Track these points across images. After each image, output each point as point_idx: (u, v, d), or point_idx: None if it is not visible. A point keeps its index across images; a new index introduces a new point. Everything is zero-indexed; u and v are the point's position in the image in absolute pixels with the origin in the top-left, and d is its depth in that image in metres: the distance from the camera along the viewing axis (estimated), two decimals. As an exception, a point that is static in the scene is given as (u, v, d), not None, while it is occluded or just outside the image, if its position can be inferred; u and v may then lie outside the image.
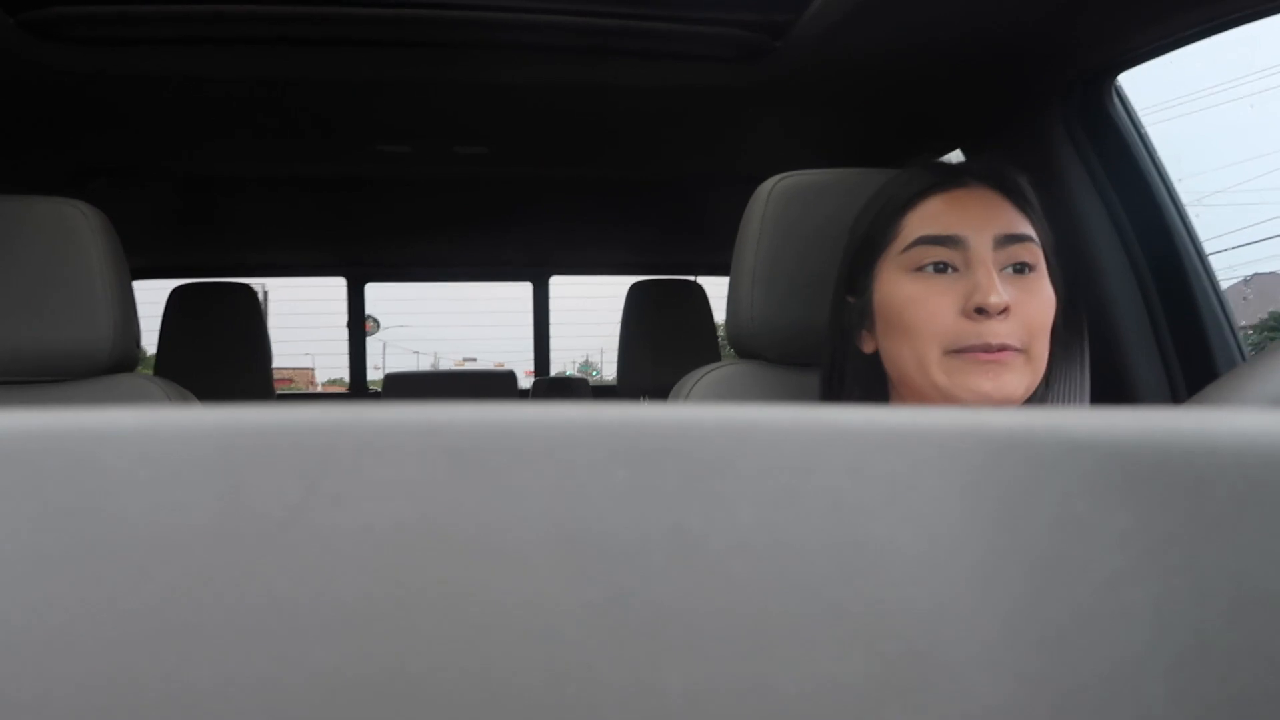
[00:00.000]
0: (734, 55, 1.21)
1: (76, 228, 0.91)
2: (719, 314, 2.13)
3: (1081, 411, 0.18)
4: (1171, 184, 1.12)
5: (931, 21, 1.02)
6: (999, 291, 0.71)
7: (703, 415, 0.17)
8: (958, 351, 0.72)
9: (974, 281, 0.72)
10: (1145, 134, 1.13)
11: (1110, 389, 1.09)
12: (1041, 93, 1.13)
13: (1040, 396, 0.78)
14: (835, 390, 0.83)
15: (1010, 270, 0.74)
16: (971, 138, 1.32)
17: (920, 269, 0.75)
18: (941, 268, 0.75)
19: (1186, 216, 1.11)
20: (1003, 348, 0.71)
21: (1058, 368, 0.78)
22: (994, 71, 1.13)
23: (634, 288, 2.14)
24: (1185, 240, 1.10)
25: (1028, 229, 0.76)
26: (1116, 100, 1.12)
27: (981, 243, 0.74)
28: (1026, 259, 0.74)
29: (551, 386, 2.52)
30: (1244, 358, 1.09)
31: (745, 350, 0.94)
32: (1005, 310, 0.71)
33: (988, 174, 0.79)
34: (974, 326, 0.72)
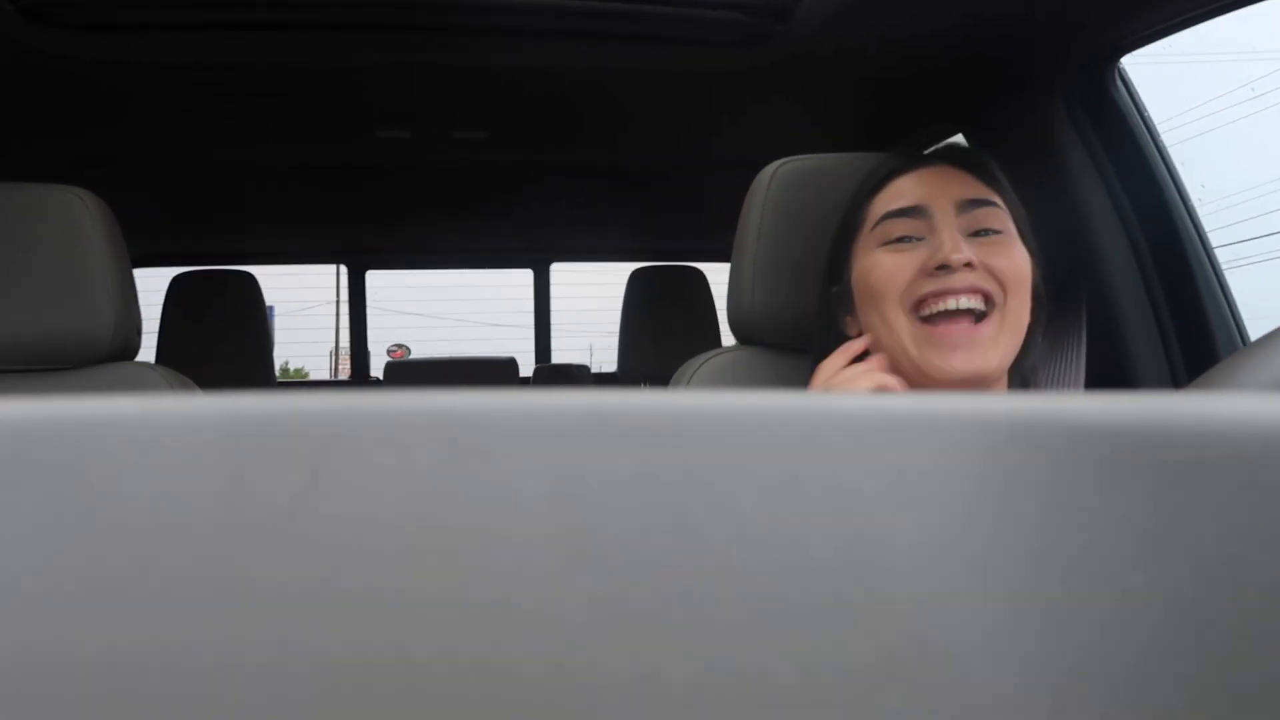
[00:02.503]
0: (735, 39, 1.20)
1: (77, 215, 0.91)
2: (720, 300, 2.13)
3: (1081, 396, 0.18)
4: (1174, 167, 1.11)
5: (932, 4, 1.01)
6: (961, 249, 0.72)
7: (704, 401, 0.17)
8: (924, 316, 0.73)
9: (937, 243, 0.73)
10: (1148, 117, 1.12)
11: (1111, 373, 1.09)
12: (1044, 76, 1.13)
13: (1030, 375, 0.79)
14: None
15: (976, 235, 0.75)
16: (973, 121, 1.31)
17: (888, 242, 0.77)
18: (908, 239, 0.76)
19: (1189, 200, 1.11)
20: (971, 290, 0.71)
21: (1045, 344, 0.79)
22: (996, 55, 1.13)
23: (635, 274, 2.14)
24: (1187, 223, 1.09)
25: (991, 196, 0.77)
26: (1119, 83, 1.11)
27: (943, 209, 0.75)
28: (991, 224, 0.75)
29: (553, 373, 2.52)
30: (1245, 342, 1.08)
31: (746, 336, 0.94)
32: (969, 265, 0.72)
33: (950, 153, 0.81)
34: (937, 279, 0.72)
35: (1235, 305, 1.08)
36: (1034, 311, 0.76)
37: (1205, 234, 1.10)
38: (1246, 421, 0.17)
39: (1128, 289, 1.11)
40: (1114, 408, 0.17)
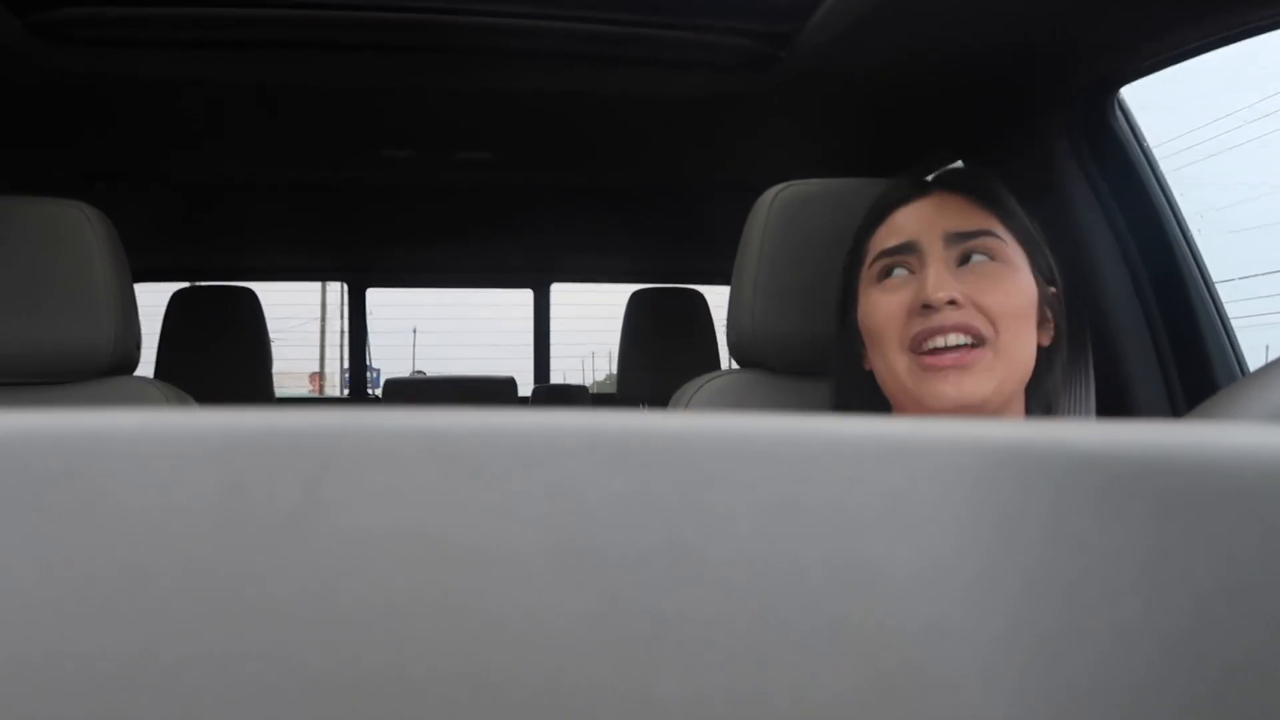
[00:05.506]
0: (737, 64, 1.21)
1: (79, 229, 0.92)
2: (720, 323, 2.13)
3: (1079, 425, 0.18)
4: (1173, 196, 1.12)
5: (934, 32, 1.02)
6: (945, 286, 0.72)
7: (701, 425, 0.17)
8: (918, 352, 0.73)
9: (923, 279, 0.73)
10: (1147, 146, 1.13)
11: (1110, 402, 1.09)
12: (1044, 104, 1.13)
13: (1052, 399, 0.78)
14: (842, 410, 0.84)
15: (968, 262, 0.74)
16: (973, 149, 1.32)
17: (883, 280, 0.77)
18: (899, 274, 0.76)
19: (1188, 229, 1.11)
20: (958, 328, 0.71)
21: (1062, 373, 0.78)
22: (996, 83, 1.14)
23: (635, 295, 2.14)
24: (1186, 253, 1.10)
25: (987, 224, 0.76)
26: (1119, 113, 1.12)
27: (931, 242, 0.75)
28: (983, 253, 0.75)
29: (551, 393, 2.52)
30: (1244, 372, 1.09)
31: (747, 359, 0.94)
32: (953, 302, 0.71)
33: (951, 179, 0.81)
34: (924, 318, 0.72)
35: (1234, 334, 1.08)
36: (1055, 334, 0.76)
37: (1204, 263, 1.10)
38: (1245, 452, 0.17)
39: (1127, 318, 1.11)
40: (1111, 436, 0.17)
